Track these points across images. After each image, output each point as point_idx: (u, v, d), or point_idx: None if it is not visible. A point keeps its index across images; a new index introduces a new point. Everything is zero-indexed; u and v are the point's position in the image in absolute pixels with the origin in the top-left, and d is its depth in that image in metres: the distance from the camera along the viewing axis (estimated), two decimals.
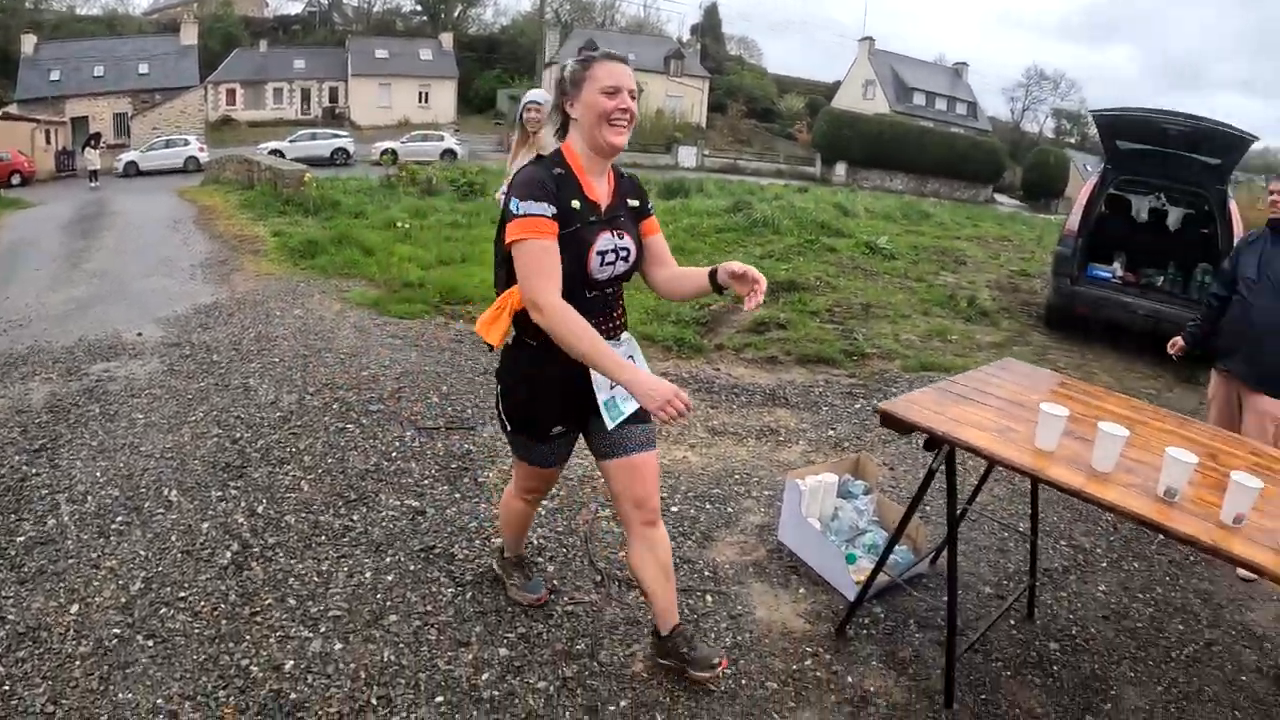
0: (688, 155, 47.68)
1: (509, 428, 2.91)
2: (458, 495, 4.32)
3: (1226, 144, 8.56)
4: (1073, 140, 72.48)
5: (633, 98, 2.64)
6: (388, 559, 3.75)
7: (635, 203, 2.86)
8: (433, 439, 4.96)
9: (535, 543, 3.95)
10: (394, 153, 36.45)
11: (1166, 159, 9.04)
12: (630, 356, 2.83)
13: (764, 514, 4.44)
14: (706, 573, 3.90)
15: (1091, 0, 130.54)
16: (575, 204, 2.60)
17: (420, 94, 58.05)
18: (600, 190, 2.73)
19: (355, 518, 4.05)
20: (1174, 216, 10.13)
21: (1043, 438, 2.77)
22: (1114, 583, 4.26)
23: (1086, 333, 9.29)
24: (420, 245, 11.17)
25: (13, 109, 40.83)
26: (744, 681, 3.22)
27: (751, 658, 3.36)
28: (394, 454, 4.73)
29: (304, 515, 4.03)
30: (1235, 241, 5.29)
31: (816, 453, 5.38)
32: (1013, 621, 3.79)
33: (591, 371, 2.67)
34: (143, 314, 7.78)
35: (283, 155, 32.03)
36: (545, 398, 2.81)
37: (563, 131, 2.76)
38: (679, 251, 11.45)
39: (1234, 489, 2.36)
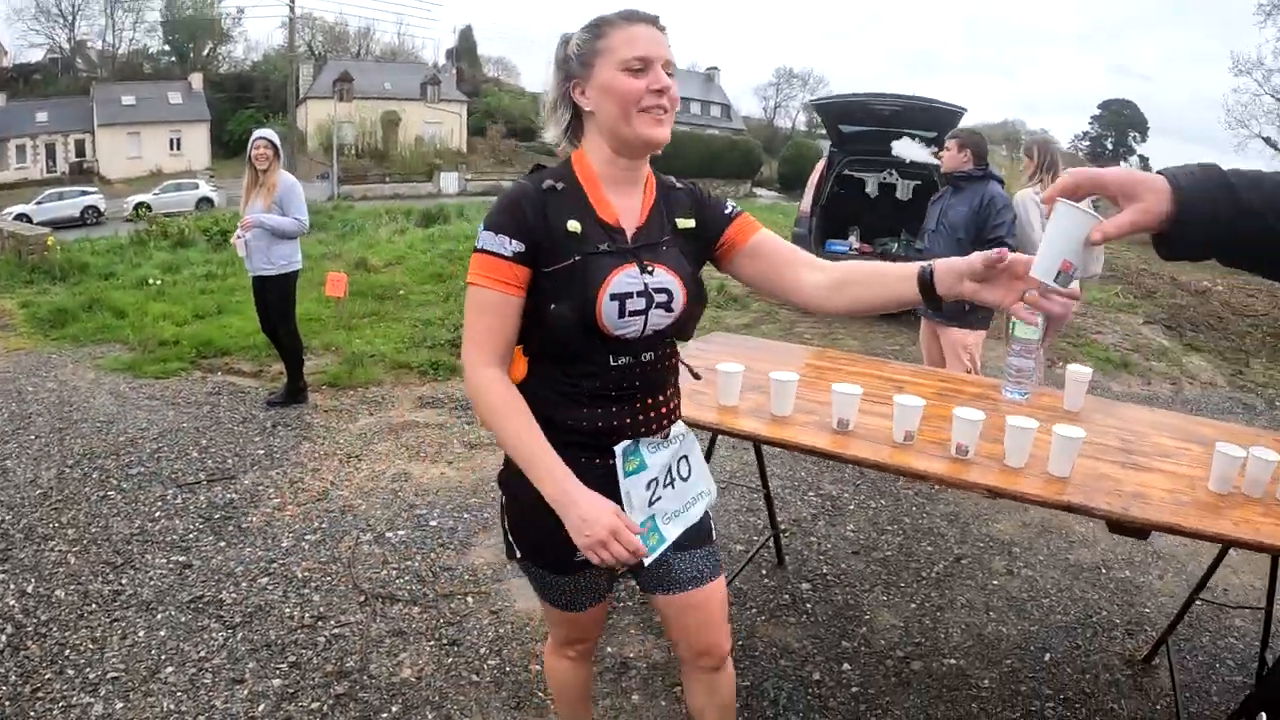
0: (450, 181, 47.42)
1: (517, 554, 2.07)
2: (223, 544, 4.29)
3: (937, 118, 9.53)
4: (823, 132, 76.27)
5: (670, 74, 1.83)
6: (159, 615, 3.69)
7: (690, 223, 1.99)
8: (195, 493, 4.88)
9: (299, 576, 3.98)
10: (147, 206, 34.40)
11: (886, 136, 9.78)
12: (683, 461, 2.06)
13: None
14: (467, 576, 4.02)
15: (836, 2, 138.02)
16: (574, 226, 1.81)
17: (172, 140, 54.86)
18: (625, 207, 1.91)
19: (124, 581, 3.95)
20: (903, 189, 11.01)
21: (723, 395, 2.95)
22: (862, 521, 4.65)
23: None
24: (174, 301, 10.73)
25: None
26: (509, 669, 3.34)
27: (514, 646, 3.49)
28: (157, 514, 4.63)
29: (73, 587, 3.91)
30: None
31: None
32: (764, 571, 4.07)
33: (622, 475, 1.91)
34: None
35: (29, 220, 29.94)
36: None
37: (574, 133, 1.95)
38: (435, 279, 11.52)
39: (899, 410, 2.64)
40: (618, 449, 1.90)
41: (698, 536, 2.07)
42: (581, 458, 1.86)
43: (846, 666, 3.41)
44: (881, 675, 3.37)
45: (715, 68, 68.86)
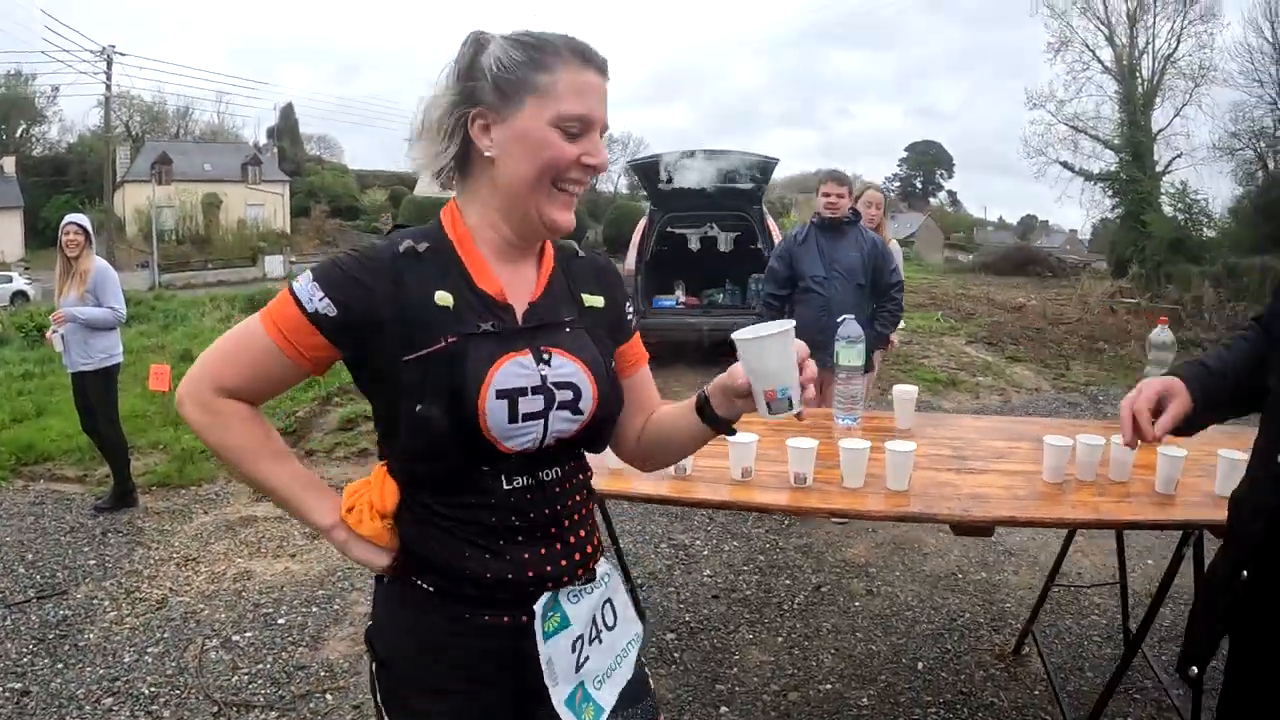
0: (275, 265, 45.90)
1: None
2: (60, 665, 3.97)
3: (753, 169, 9.85)
4: (645, 192, 77.86)
5: (601, 135, 1.42)
6: None
7: (599, 301, 1.55)
8: (25, 613, 4.52)
9: (146, 693, 3.71)
10: None
11: (704, 192, 10.08)
12: (607, 605, 1.57)
13: (369, 602, 4.39)
14: (323, 673, 3.81)
15: (653, 69, 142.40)
16: (443, 299, 1.35)
17: None
18: (513, 278, 1.45)
19: None
20: (725, 240, 11.27)
21: None
22: (717, 564, 4.65)
23: (660, 358, 9.96)
24: None
25: None
26: None
27: None
28: None
29: None
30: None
31: None
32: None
33: (541, 640, 1.43)
34: None
35: None
36: (454, 679, 1.44)
37: (459, 173, 1.45)
38: None
39: (733, 449, 2.63)
40: (536, 607, 1.42)
41: (634, 694, 1.58)
42: (481, 616, 1.42)
43: (724, 709, 3.37)
44: (760, 711, 3.35)
45: None
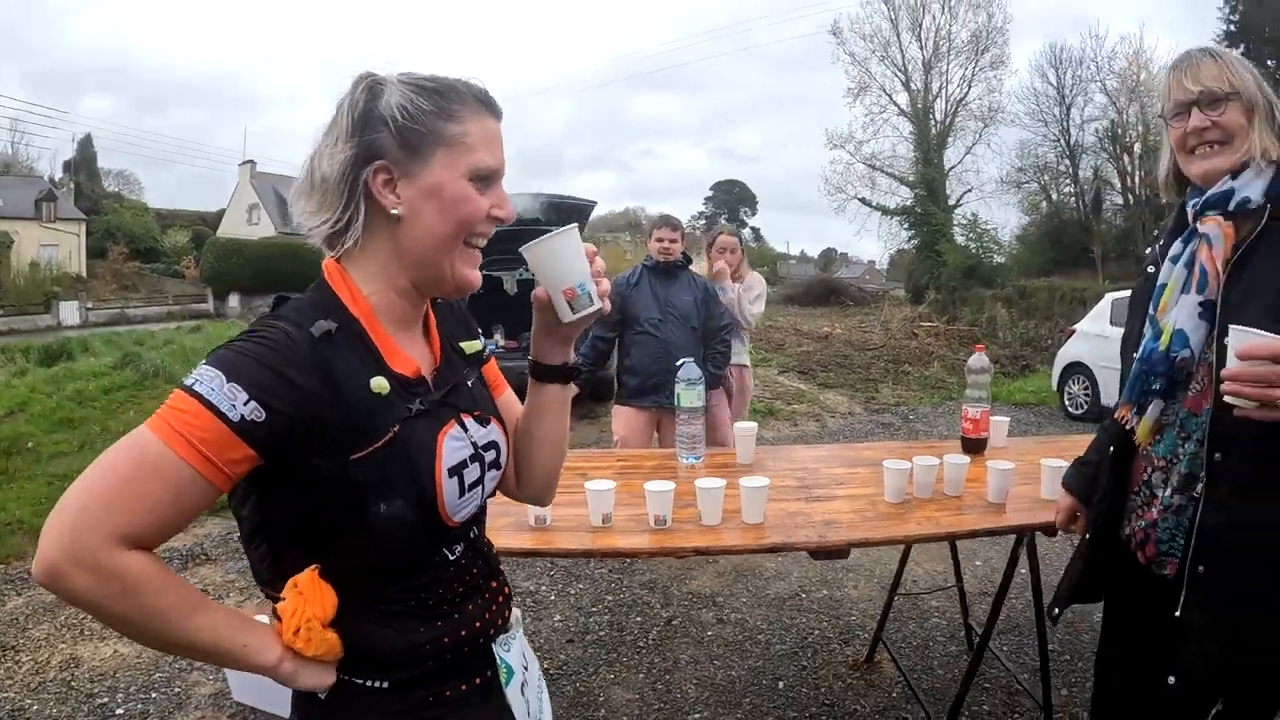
0: (70, 312, 42.41)
1: None
2: None
3: (569, 211, 10.04)
4: None
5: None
6: None
7: (476, 345, 1.51)
8: None
9: None
10: None
11: (520, 234, 10.11)
12: (525, 646, 1.61)
13: (213, 682, 4.16)
14: None
15: None
16: (379, 385, 1.23)
17: None
18: (415, 348, 1.36)
19: None
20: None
21: None
22: (566, 609, 4.64)
23: None
24: None
25: None
26: None
27: None
28: None
29: None
30: None
31: (252, 599, 5.20)
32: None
33: (504, 688, 1.45)
34: None
35: None
36: None
37: (343, 235, 1.28)
38: (66, 425, 10.39)
39: (591, 496, 2.64)
40: (496, 654, 1.44)
41: None
42: (447, 689, 1.34)
43: None
44: None
45: None
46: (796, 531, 2.48)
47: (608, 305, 1.39)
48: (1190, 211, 1.84)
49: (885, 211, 34.44)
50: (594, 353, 5.15)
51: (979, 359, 3.38)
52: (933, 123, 33.78)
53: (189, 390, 1.11)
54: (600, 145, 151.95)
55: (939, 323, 22.78)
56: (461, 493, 1.30)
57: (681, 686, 3.77)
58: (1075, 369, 10.54)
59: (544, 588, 4.95)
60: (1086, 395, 10.46)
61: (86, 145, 62.17)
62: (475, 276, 1.34)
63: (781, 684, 3.74)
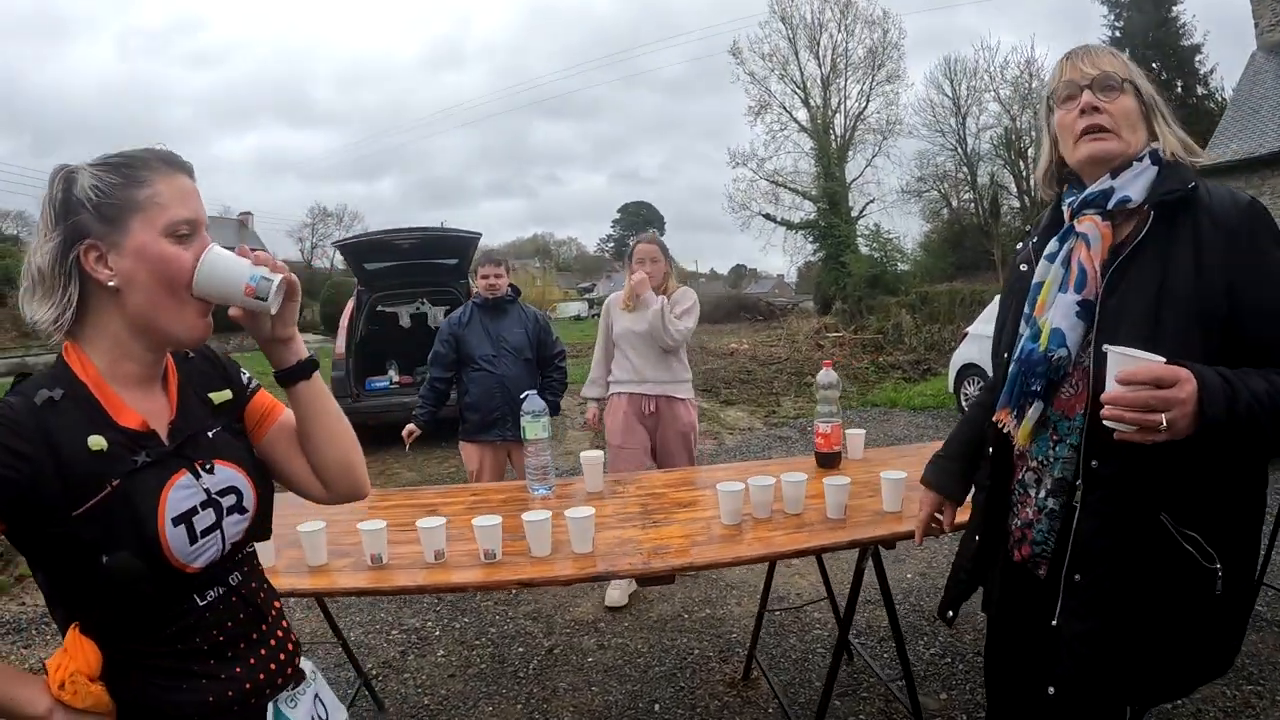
0: None
1: None
2: None
3: (455, 245, 10.05)
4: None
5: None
6: None
7: (226, 395, 1.54)
8: None
9: None
10: None
11: (410, 269, 10.20)
12: (318, 702, 1.61)
13: None
14: None
15: (357, 143, 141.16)
16: (97, 443, 1.29)
17: None
18: (149, 407, 1.40)
19: None
20: (435, 315, 11.44)
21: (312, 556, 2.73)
22: (450, 643, 4.59)
23: (380, 440, 9.12)
24: None
25: None
26: None
27: None
28: None
29: None
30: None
31: None
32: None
33: None
34: None
35: None
36: None
37: (77, 315, 1.35)
38: None
39: (422, 533, 2.64)
40: (276, 712, 1.47)
41: None
42: None
43: None
44: None
45: (249, 212, 66.59)
46: (623, 559, 2.50)
47: (292, 276, 1.44)
48: (1067, 209, 1.81)
49: (790, 226, 35.14)
50: (433, 394, 5.16)
51: (826, 375, 3.45)
52: (833, 137, 34.61)
53: None
54: (504, 172, 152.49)
55: (844, 332, 23.12)
56: (193, 539, 1.33)
57: (559, 714, 3.76)
58: (969, 370, 10.68)
59: (429, 623, 4.90)
60: None
61: None
62: (201, 327, 1.40)
63: (657, 706, 3.75)
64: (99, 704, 1.30)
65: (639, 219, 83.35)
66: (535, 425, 3.40)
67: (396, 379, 10.82)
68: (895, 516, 2.73)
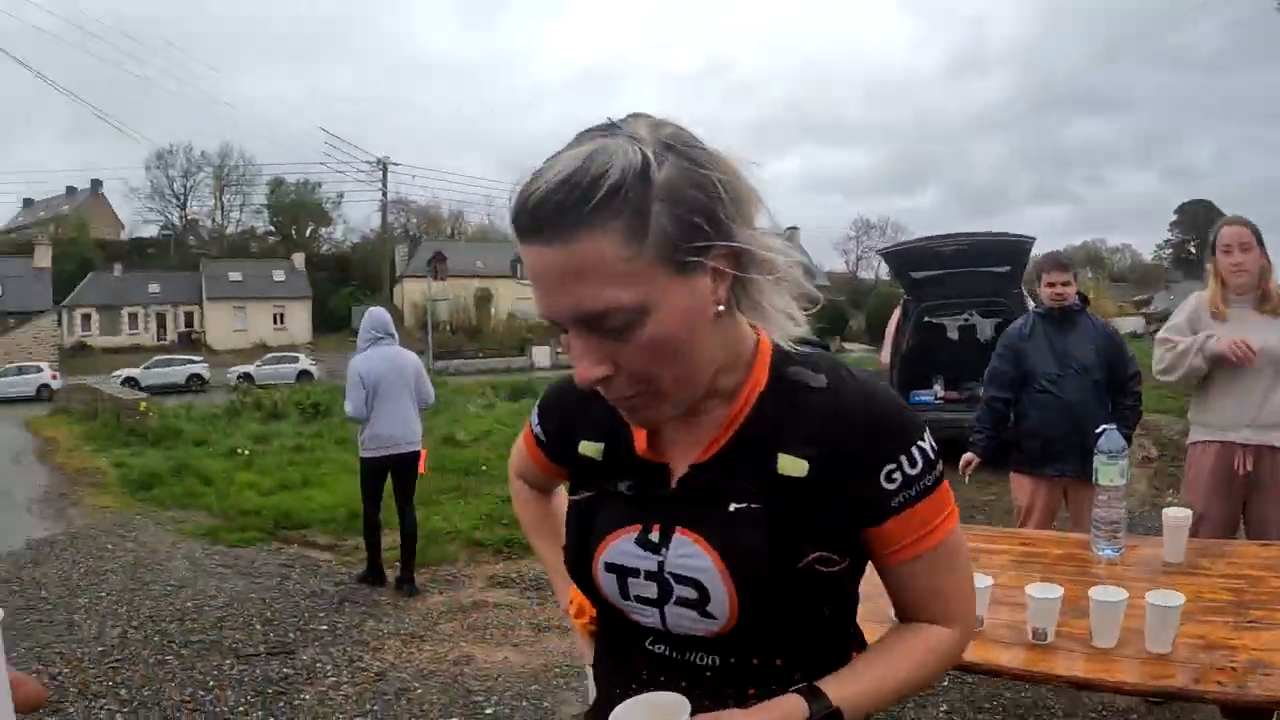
0: (542, 355, 48.48)
1: None
2: (271, 718, 4.14)
3: (1007, 251, 9.32)
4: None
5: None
6: None
7: (801, 468, 1.05)
8: (251, 665, 4.77)
9: None
10: (250, 377, 36.53)
11: (958, 278, 9.68)
12: None
13: (581, 704, 4.26)
14: None
15: (892, 158, 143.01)
16: (590, 449, 1.18)
17: (275, 315, 59.07)
18: (681, 435, 1.11)
19: None
20: (984, 329, 10.70)
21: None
22: None
23: None
24: (261, 472, 10.99)
25: None
26: None
27: None
28: (211, 682, 4.55)
29: None
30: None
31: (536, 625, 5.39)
32: None
33: None
34: None
35: (138, 383, 32.67)
36: None
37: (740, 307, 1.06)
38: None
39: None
40: None
41: None
42: None
43: None
44: None
45: (794, 227, 69.55)
46: (1210, 672, 1.89)
47: None
48: None
49: None
50: (991, 416, 4.52)
51: None
52: None
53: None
54: (1043, 175, 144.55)
55: None
56: (624, 595, 1.16)
57: None
58: None
59: None
60: None
61: None
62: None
63: None
64: (583, 631, 1.42)
65: (1200, 220, 74.75)
66: (1111, 468, 2.81)
67: (942, 394, 10.33)
68: None
